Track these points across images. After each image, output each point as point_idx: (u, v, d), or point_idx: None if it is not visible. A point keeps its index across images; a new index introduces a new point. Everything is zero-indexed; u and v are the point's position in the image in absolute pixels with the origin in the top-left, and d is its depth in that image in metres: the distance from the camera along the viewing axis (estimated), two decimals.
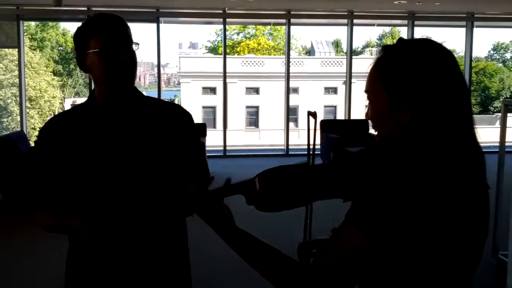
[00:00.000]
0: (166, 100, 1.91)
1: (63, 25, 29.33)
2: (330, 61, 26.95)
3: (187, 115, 1.81)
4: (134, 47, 1.67)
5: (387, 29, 30.62)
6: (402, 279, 1.04)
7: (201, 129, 8.96)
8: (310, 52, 32.04)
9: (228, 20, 10.83)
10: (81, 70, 1.70)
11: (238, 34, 31.23)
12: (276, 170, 1.18)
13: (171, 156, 1.70)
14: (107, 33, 1.62)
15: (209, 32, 39.08)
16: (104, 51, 1.61)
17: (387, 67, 1.11)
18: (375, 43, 32.24)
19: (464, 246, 1.05)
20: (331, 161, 1.49)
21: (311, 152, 1.23)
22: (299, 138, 24.06)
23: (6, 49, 20.67)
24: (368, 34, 36.77)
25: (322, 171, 1.22)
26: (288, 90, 11.11)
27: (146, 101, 1.76)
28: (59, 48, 29.81)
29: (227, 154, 11.01)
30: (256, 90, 26.28)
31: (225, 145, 11.05)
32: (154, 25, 10.18)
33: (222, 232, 1.19)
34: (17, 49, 10.08)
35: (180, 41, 46.42)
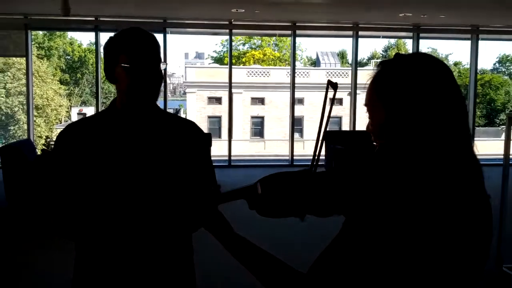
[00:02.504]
0: (178, 114, 1.95)
1: (71, 34, 29.58)
2: (335, 72, 27.01)
3: (202, 134, 1.86)
4: (162, 66, 1.71)
5: (393, 41, 30.69)
6: None
7: (207, 139, 8.97)
8: (315, 63, 32.12)
9: (234, 31, 10.90)
10: (107, 80, 1.74)
11: (244, 44, 31.39)
12: (278, 176, 1.21)
13: (182, 170, 1.74)
14: (138, 51, 1.65)
15: (215, 43, 39.22)
16: (132, 69, 1.65)
17: (383, 82, 1.14)
18: (381, 55, 32.30)
19: (465, 255, 1.05)
20: (331, 169, 1.50)
21: (323, 125, 1.23)
22: (304, 149, 24.08)
23: (14, 58, 20.86)
24: (374, 46, 36.83)
25: (322, 178, 1.24)
26: (293, 101, 11.14)
27: (164, 116, 1.81)
28: (66, 57, 30.02)
29: (232, 164, 11.02)
30: (262, 101, 26.35)
31: (230, 155, 11.08)
32: (161, 35, 10.28)
33: (222, 237, 1.22)
34: (25, 58, 10.19)
35: (186, 51, 46.59)
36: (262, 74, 26.36)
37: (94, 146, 1.70)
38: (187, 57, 43.95)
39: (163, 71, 1.73)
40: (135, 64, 1.65)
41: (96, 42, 10.48)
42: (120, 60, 1.66)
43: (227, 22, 10.46)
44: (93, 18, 10.01)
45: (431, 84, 1.10)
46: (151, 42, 1.69)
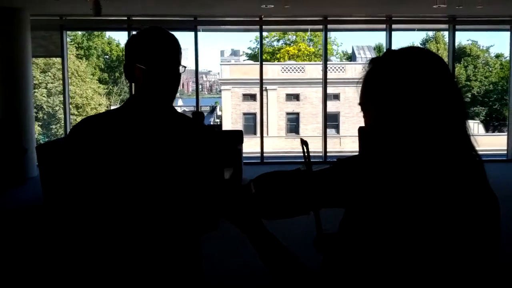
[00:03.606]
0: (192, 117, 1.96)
1: (108, 34, 30.19)
2: None
3: (212, 134, 1.86)
4: (181, 69, 1.70)
5: (431, 33, 29.99)
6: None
7: (238, 136, 9.02)
8: (351, 57, 31.75)
9: (264, 27, 10.88)
10: (126, 78, 1.75)
11: (278, 40, 31.29)
12: (270, 175, 1.21)
13: (191, 172, 1.73)
14: (158, 51, 1.64)
15: (249, 39, 39.32)
16: (151, 69, 1.64)
17: (372, 80, 1.11)
18: None
19: (471, 252, 0.98)
20: (326, 168, 1.51)
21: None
22: (341, 145, 23.84)
23: (54, 58, 21.44)
24: (411, 39, 36.09)
25: (315, 177, 1.22)
26: (325, 97, 11.04)
27: (177, 117, 1.80)
28: (105, 56, 30.65)
29: (264, 161, 11.01)
30: (296, 97, 26.23)
31: (262, 152, 11.06)
32: (192, 33, 10.36)
33: (248, 228, 1.20)
34: (61, 58, 10.46)
35: (223, 49, 46.88)
36: (296, 70, 26.22)
37: (106, 143, 1.69)
38: (223, 55, 44.21)
39: (181, 74, 1.72)
40: (152, 66, 1.64)
41: None
42: (139, 59, 1.66)
43: (257, 18, 10.45)
44: (126, 18, 10.17)
45: (419, 80, 1.04)
46: (170, 44, 1.67)
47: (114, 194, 1.67)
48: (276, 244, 1.18)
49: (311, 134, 24.87)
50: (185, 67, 1.73)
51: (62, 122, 24.83)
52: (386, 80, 1.07)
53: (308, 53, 30.74)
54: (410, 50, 1.10)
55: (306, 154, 1.24)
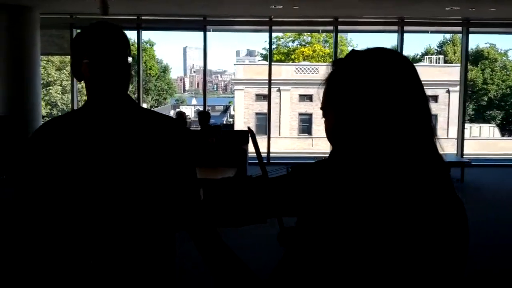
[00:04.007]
0: (160, 112, 1.89)
1: None
2: None
3: (180, 130, 1.79)
4: (129, 60, 1.66)
5: (448, 35, 29.65)
6: None
7: (244, 136, 9.04)
8: None
9: (274, 27, 10.82)
10: (74, 77, 1.71)
11: (293, 41, 31.17)
12: (220, 181, 1.16)
13: (157, 167, 1.68)
14: (101, 45, 1.61)
15: (264, 40, 39.31)
16: (93, 64, 1.61)
17: (333, 83, 1.04)
18: (435, 51, 31.24)
19: (435, 262, 0.92)
20: (281, 176, 1.50)
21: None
22: None
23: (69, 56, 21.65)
24: (427, 41, 35.76)
25: (268, 185, 1.17)
26: None
27: (139, 112, 1.75)
28: None
29: (271, 161, 10.95)
30: (310, 98, 26.13)
31: (268, 152, 11.03)
32: (201, 33, 10.35)
33: (203, 244, 1.13)
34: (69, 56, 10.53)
35: (238, 49, 47.05)
36: (310, 71, 26.11)
37: (66, 145, 1.66)
38: (239, 55, 44.34)
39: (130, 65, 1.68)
40: (96, 60, 1.60)
41: (139, 41, 10.68)
42: (84, 55, 1.62)
43: (267, 19, 10.39)
44: (135, 17, 10.18)
45: (382, 82, 0.98)
46: (113, 36, 1.62)
47: (72, 194, 1.63)
48: (225, 254, 1.12)
49: (324, 135, 24.76)
50: (133, 57, 1.68)
51: None
52: (346, 82, 1.01)
53: (323, 54, 30.58)
54: (374, 51, 1.04)
55: (254, 144, 1.18)
